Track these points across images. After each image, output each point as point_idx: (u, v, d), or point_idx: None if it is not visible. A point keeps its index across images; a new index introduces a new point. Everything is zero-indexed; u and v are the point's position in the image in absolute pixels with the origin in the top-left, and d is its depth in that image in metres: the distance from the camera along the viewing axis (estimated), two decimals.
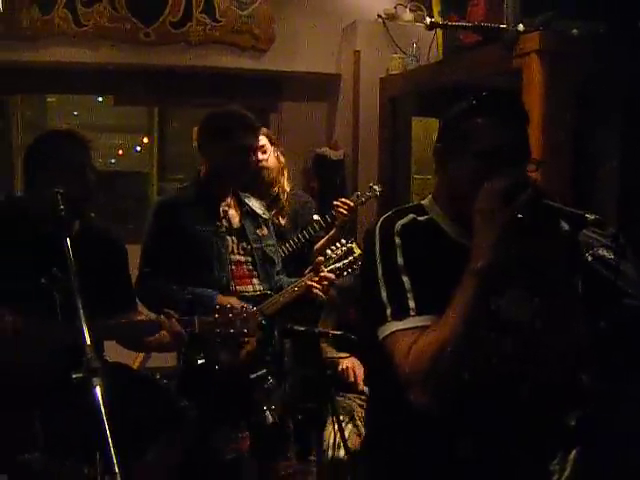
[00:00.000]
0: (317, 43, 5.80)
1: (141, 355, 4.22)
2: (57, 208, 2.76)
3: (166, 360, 3.96)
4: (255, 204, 3.81)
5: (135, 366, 4.55)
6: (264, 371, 3.46)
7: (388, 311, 1.96)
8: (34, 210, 3.07)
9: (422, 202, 2.18)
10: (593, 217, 1.91)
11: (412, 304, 1.94)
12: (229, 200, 3.71)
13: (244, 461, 3.60)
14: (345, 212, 4.27)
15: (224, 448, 3.53)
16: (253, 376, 3.43)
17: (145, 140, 7.74)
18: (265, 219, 3.83)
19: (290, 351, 3.81)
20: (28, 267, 2.99)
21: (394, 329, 1.95)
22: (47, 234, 2.95)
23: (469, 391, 1.93)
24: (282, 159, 4.38)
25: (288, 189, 4.37)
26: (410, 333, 1.92)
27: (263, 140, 4.21)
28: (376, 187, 4.44)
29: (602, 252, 2.74)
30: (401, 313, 1.94)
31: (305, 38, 5.79)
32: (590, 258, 2.72)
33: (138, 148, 8.18)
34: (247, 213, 3.75)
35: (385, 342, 1.97)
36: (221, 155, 3.61)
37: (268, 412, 3.45)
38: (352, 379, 3.80)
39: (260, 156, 4.17)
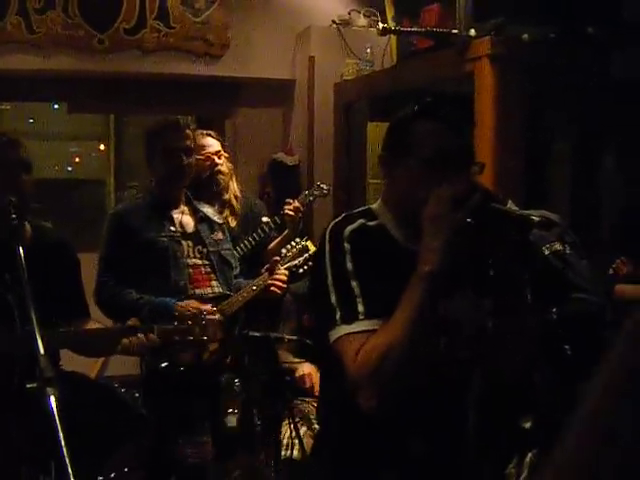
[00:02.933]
0: (271, 49, 5.82)
1: (99, 363, 4.20)
2: (8, 216, 2.75)
3: (126, 367, 3.94)
4: (209, 210, 3.88)
5: (93, 374, 4.51)
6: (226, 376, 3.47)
7: (338, 315, 1.98)
8: None
9: (372, 206, 2.20)
10: (538, 219, 1.95)
11: (361, 308, 1.96)
12: (182, 207, 3.76)
13: (207, 466, 3.60)
14: (292, 212, 4.28)
15: (187, 453, 3.52)
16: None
17: (101, 147, 7.71)
18: (220, 224, 3.89)
19: (248, 355, 3.82)
20: None
21: (343, 332, 1.96)
22: None
23: (417, 393, 1.95)
24: (230, 164, 4.42)
25: (239, 193, 4.39)
26: (359, 336, 1.94)
27: (217, 146, 4.25)
28: (323, 186, 4.45)
29: (558, 246, 2.79)
30: (350, 317, 1.96)
31: (259, 44, 5.80)
32: (547, 252, 2.77)
33: (94, 155, 8.13)
34: (202, 219, 3.81)
35: (335, 345, 1.99)
36: (155, 160, 3.73)
37: (230, 415, 3.46)
38: (309, 385, 3.83)
39: (216, 160, 4.21)
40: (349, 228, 2.07)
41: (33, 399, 2.30)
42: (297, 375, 3.85)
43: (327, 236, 2.08)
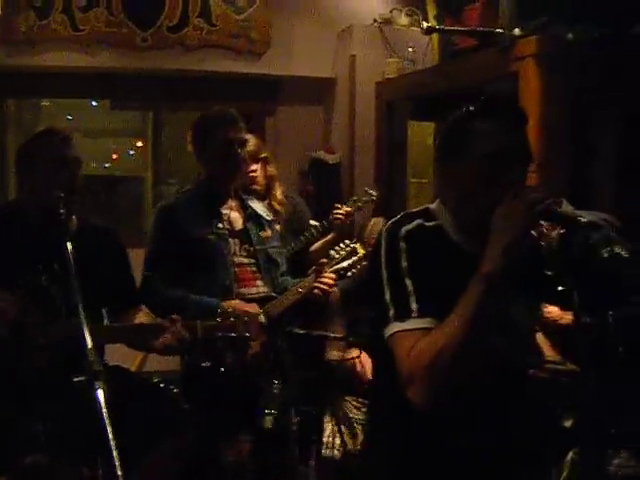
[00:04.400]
0: (313, 47, 5.82)
1: (139, 358, 4.21)
2: (57, 211, 2.78)
3: (167, 364, 3.95)
4: (258, 206, 3.82)
5: (133, 369, 4.53)
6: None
7: (391, 312, 2.00)
8: (34, 212, 3.07)
9: (430, 207, 2.19)
10: (586, 220, 1.94)
11: (414, 306, 1.97)
12: (231, 202, 3.71)
13: (245, 465, 3.60)
14: (342, 218, 4.28)
15: (225, 451, 3.52)
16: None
17: (139, 144, 7.74)
18: (269, 221, 3.84)
19: (291, 354, 3.80)
20: (28, 268, 2.99)
21: (396, 330, 1.99)
22: (47, 234, 2.97)
23: (468, 392, 1.94)
24: (272, 169, 4.41)
25: (280, 197, 4.38)
26: (411, 334, 1.95)
27: (255, 147, 4.23)
28: (372, 192, 4.45)
29: (617, 249, 2.76)
30: (403, 314, 1.98)
31: (301, 42, 5.81)
32: (606, 254, 2.73)
33: (132, 152, 8.17)
34: (250, 215, 3.75)
35: (389, 342, 2.01)
36: (209, 153, 3.66)
37: (269, 416, 3.44)
38: (359, 369, 3.76)
39: (253, 166, 4.20)
40: (406, 228, 2.08)
41: (81, 392, 2.32)
42: (347, 359, 3.79)
43: (384, 235, 2.10)
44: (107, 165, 8.28)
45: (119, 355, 3.38)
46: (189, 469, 3.44)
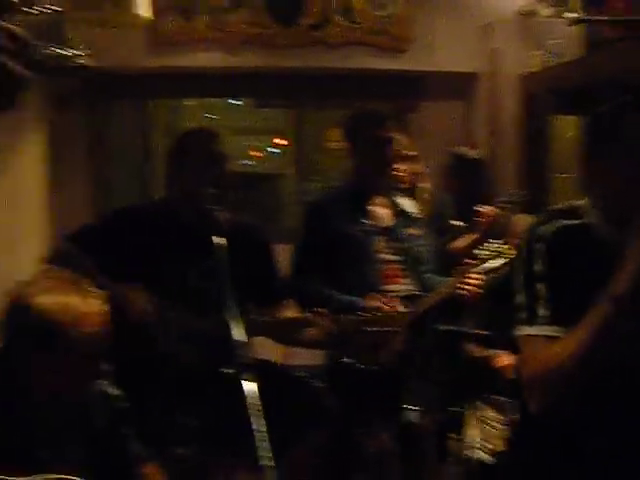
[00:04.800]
0: (455, 42, 5.75)
1: (284, 352, 4.26)
2: (207, 207, 2.85)
3: (311, 358, 3.99)
4: (406, 203, 3.81)
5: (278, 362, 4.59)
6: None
7: (522, 315, 1.98)
8: (184, 209, 3.16)
9: (576, 203, 2.11)
10: None
11: (543, 312, 1.92)
12: (380, 199, 3.73)
13: (386, 460, 3.60)
14: (488, 220, 4.23)
15: (367, 446, 3.53)
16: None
17: (280, 142, 7.85)
18: (417, 219, 3.81)
19: (434, 351, 3.78)
20: (179, 264, 3.09)
21: (524, 333, 1.97)
22: (196, 232, 3.05)
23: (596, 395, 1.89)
24: (418, 167, 4.40)
25: (425, 195, 4.38)
26: (536, 340, 1.92)
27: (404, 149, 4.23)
28: (520, 192, 4.37)
29: None
30: (531, 319, 1.95)
31: (443, 37, 5.75)
32: None
33: (273, 150, 8.29)
34: (398, 212, 3.74)
35: (518, 343, 2.00)
36: (358, 150, 3.70)
37: (413, 412, 3.44)
38: (512, 377, 3.71)
39: (399, 165, 4.20)
40: (545, 228, 2.01)
41: (230, 385, 2.38)
42: (498, 365, 3.73)
43: (525, 235, 2.06)
44: (248, 163, 8.43)
45: (264, 349, 3.44)
46: (331, 463, 3.47)
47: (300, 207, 6.16)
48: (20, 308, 2.08)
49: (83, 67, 1.03)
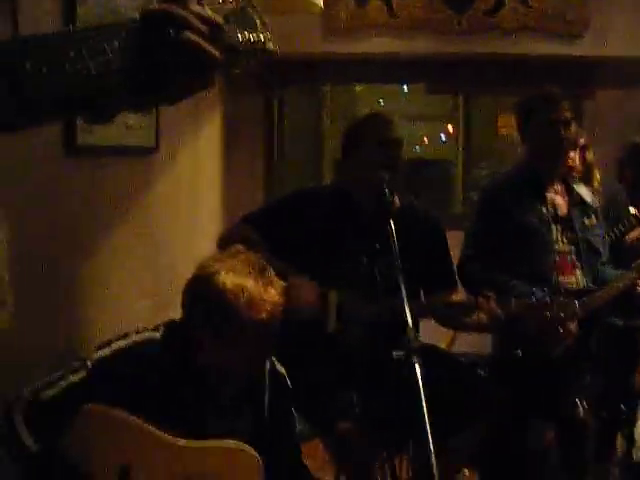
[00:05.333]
0: (632, 26, 5.56)
1: (449, 338, 4.26)
2: (382, 191, 2.88)
3: (474, 345, 3.97)
4: (584, 191, 3.71)
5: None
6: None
7: None
8: (358, 193, 3.21)
9: None
10: None
11: None
12: (557, 187, 3.65)
13: (548, 453, 3.54)
14: None
15: (530, 437, 3.49)
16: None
17: (449, 128, 7.79)
18: (594, 208, 3.70)
19: (609, 346, 3.67)
20: (351, 248, 3.14)
21: None
22: (369, 216, 3.09)
23: None
24: (590, 156, 4.28)
25: (597, 185, 4.25)
26: None
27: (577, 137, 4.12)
28: None
29: None
30: None
31: (620, 21, 5.56)
32: None
33: (442, 136, 8.25)
34: (576, 201, 3.65)
35: None
36: (532, 134, 3.62)
37: (580, 407, 3.37)
38: None
39: (571, 154, 4.10)
40: None
41: (399, 368, 2.40)
42: None
43: None
44: (417, 149, 8.42)
45: (431, 334, 3.45)
46: (494, 453, 3.45)
47: (470, 194, 6.14)
48: (202, 282, 2.18)
49: (269, 51, 1.06)
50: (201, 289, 2.18)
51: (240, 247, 2.30)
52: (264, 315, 2.14)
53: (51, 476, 2.13)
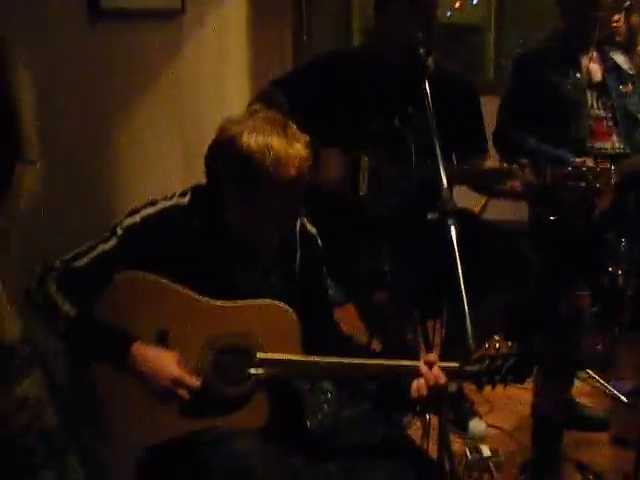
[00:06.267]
0: None
1: (480, 204, 4.23)
2: (416, 51, 2.80)
3: (505, 212, 3.94)
4: (620, 58, 3.61)
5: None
6: None
7: None
8: (392, 53, 3.13)
9: None
10: None
11: None
12: (592, 53, 3.55)
13: (582, 318, 3.54)
14: None
15: (564, 304, 3.48)
16: None
17: None
18: (631, 75, 3.60)
19: None
20: (383, 109, 3.08)
21: None
22: (402, 77, 3.02)
23: None
24: (635, 19, 4.13)
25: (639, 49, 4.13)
26: None
27: None
28: None
29: None
30: None
31: None
32: None
33: (475, 0, 8.01)
34: (611, 67, 3.57)
35: None
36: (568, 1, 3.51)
37: (615, 275, 3.36)
38: None
39: (615, 16, 3.96)
40: None
41: (433, 230, 2.38)
42: None
43: None
44: (448, 14, 8.20)
45: (461, 200, 3.41)
46: (525, 319, 3.46)
47: (502, 60, 5.99)
48: (226, 145, 2.13)
49: None
50: (225, 153, 2.14)
51: (258, 106, 2.24)
52: (292, 171, 2.10)
53: (90, 340, 2.16)
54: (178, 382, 2.10)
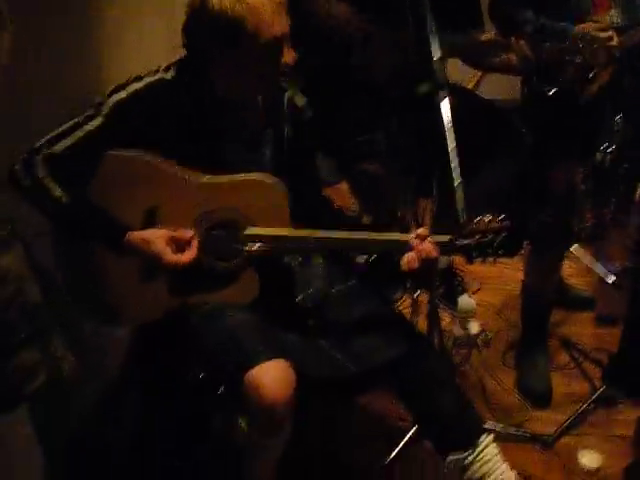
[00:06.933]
0: None
1: (473, 81, 4.16)
2: None
3: (499, 90, 3.88)
4: None
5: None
6: None
7: None
8: None
9: None
10: None
11: None
12: None
13: (575, 193, 3.51)
14: None
15: (556, 179, 3.45)
16: None
17: None
18: None
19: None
20: None
21: None
22: None
23: None
24: None
25: None
26: None
27: None
28: None
29: None
30: None
31: None
32: None
33: None
34: None
35: None
36: None
37: (606, 153, 3.33)
38: None
39: None
40: None
41: (425, 102, 2.34)
42: None
43: None
44: None
45: (455, 75, 3.34)
46: (517, 193, 3.44)
47: None
48: (198, 8, 2.05)
49: None
50: (199, 17, 2.06)
51: None
52: (268, 16, 2.01)
53: (83, 224, 2.13)
54: (174, 238, 2.10)
